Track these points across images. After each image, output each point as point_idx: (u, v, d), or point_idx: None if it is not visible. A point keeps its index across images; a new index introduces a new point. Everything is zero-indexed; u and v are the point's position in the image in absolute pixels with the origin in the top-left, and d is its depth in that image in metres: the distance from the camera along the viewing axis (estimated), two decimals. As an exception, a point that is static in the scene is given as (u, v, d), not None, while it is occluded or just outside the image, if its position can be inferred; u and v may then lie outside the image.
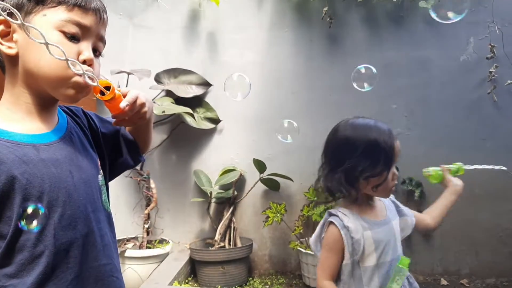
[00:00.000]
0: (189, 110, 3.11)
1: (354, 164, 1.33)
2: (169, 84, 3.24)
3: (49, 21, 0.88)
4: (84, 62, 0.90)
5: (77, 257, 0.90)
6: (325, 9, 3.15)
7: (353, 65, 3.27)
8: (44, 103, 0.93)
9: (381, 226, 1.38)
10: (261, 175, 3.20)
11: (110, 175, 1.11)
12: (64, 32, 0.89)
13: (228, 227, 3.24)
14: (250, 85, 2.36)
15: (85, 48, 0.91)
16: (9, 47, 0.89)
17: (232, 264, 3.05)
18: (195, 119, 3.20)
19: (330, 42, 3.30)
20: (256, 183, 3.23)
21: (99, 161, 1.04)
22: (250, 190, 3.27)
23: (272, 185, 3.26)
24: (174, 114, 3.19)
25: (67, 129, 0.98)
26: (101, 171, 1.03)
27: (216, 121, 3.32)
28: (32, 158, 0.87)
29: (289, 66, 3.34)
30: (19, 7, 0.88)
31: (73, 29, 0.89)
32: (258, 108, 3.35)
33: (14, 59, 0.90)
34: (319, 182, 1.46)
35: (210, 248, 3.13)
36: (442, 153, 3.19)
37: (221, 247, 3.13)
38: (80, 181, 0.93)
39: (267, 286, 3.12)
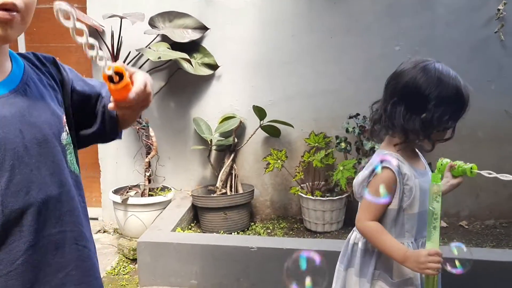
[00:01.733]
0: (186, 56, 3.01)
1: (438, 113, 1.31)
2: (164, 28, 3.12)
3: None
4: (3, 8, 0.77)
5: (32, 225, 0.82)
6: None
7: (355, 5, 3.15)
8: None
9: (424, 176, 1.40)
10: (261, 122, 3.16)
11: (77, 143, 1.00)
12: None
13: (230, 174, 3.24)
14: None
15: None
16: None
17: (234, 210, 3.08)
18: (192, 65, 3.11)
19: (332, -20, 3.14)
20: (256, 130, 3.19)
21: (64, 117, 0.93)
22: (250, 137, 3.25)
23: (272, 131, 3.22)
24: (170, 60, 3.10)
25: (21, 80, 0.87)
26: (66, 129, 0.92)
27: (214, 67, 3.23)
28: None
29: (288, 7, 3.20)
30: None
31: None
32: (257, 52, 3.25)
33: None
34: (380, 120, 1.40)
35: (212, 195, 3.15)
36: (445, 96, 3.12)
37: (223, 193, 3.15)
38: (33, 141, 0.84)
39: (269, 231, 3.17)
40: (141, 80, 0.87)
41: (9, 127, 0.81)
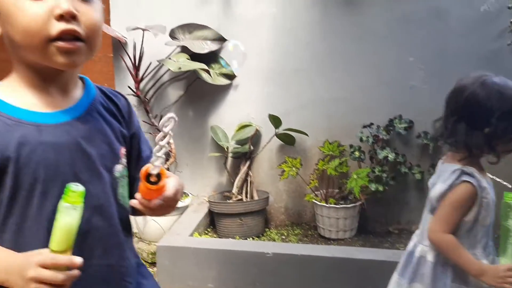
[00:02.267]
0: (205, 66, 3.12)
1: (502, 125, 1.34)
2: (184, 40, 3.24)
3: None
4: (61, 17, 0.75)
5: (78, 253, 0.78)
6: (342, -42, 3.05)
7: (369, 15, 3.23)
8: (45, 76, 0.82)
9: (492, 187, 1.43)
10: (277, 130, 3.24)
11: None
12: None
13: (245, 180, 3.33)
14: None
15: (55, 1, 0.75)
16: None
17: (249, 216, 3.16)
18: (210, 75, 3.21)
19: (346, -7, 3.22)
20: (271, 138, 3.28)
21: (123, 150, 0.91)
22: (266, 145, 3.33)
23: (287, 140, 3.31)
24: (189, 70, 3.21)
25: (86, 110, 0.86)
26: (123, 160, 0.90)
27: (231, 76, 3.33)
28: (31, 140, 0.78)
29: (303, 16, 3.29)
30: None
31: None
32: (272, 61, 3.34)
33: (4, 38, 0.82)
34: (442, 136, 1.47)
35: (228, 201, 3.23)
36: (458, 106, 3.17)
37: (238, 200, 3.24)
38: (84, 170, 0.83)
39: (283, 237, 3.24)
40: (173, 187, 0.84)
41: (62, 154, 0.81)
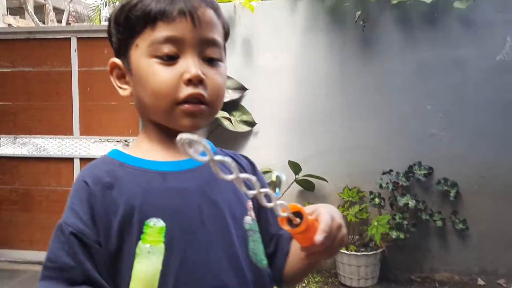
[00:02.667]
0: (226, 114, 3.23)
1: None
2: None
3: (141, 51, 0.78)
4: (189, 81, 0.75)
5: None
6: (358, 12, 3.19)
7: (386, 67, 3.32)
8: (170, 133, 0.80)
9: None
10: (296, 176, 3.28)
11: None
12: (158, 57, 0.76)
13: (265, 226, 3.34)
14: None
15: (186, 65, 0.76)
16: (123, 89, 0.84)
17: (269, 262, 3.15)
18: (231, 123, 3.31)
19: (364, 45, 3.34)
20: (291, 184, 3.32)
21: (250, 202, 0.84)
22: (286, 191, 3.37)
23: (307, 185, 3.34)
24: (212, 118, 3.31)
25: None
26: (251, 213, 0.83)
27: (251, 124, 3.42)
28: (156, 186, 0.76)
29: (322, 69, 3.40)
30: (124, 43, 0.81)
31: (165, 49, 0.76)
32: (292, 111, 3.44)
33: (134, 99, 0.84)
34: None
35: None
36: (477, 153, 3.19)
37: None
38: (211, 218, 0.77)
39: (304, 285, 3.21)
40: (325, 213, 0.72)
41: (188, 200, 0.77)
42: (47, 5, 10.70)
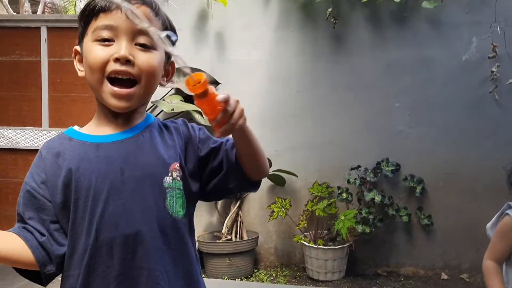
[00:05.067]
0: (197, 108, 3.22)
1: None
2: (179, 82, 3.35)
3: (88, 37, 0.97)
4: (117, 60, 0.93)
5: (120, 255, 0.91)
6: (330, 9, 3.23)
7: (357, 64, 3.37)
8: (109, 111, 0.98)
9: None
10: (267, 171, 3.30)
11: (212, 195, 1.08)
12: (98, 40, 0.95)
13: (235, 221, 3.36)
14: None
15: (117, 47, 0.94)
16: (80, 70, 1.02)
17: (238, 256, 3.17)
18: (203, 117, 3.31)
19: (335, 41, 3.38)
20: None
21: (176, 165, 1.00)
22: (256, 185, 3.39)
23: (277, 180, 3.36)
24: (183, 111, 3.31)
25: (141, 131, 1.00)
26: (172, 173, 0.99)
27: (223, 118, 3.42)
28: (89, 155, 0.96)
29: (294, 65, 3.43)
30: (82, 33, 0.99)
31: (103, 34, 0.94)
32: (264, 106, 3.46)
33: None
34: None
35: (217, 241, 3.25)
36: (443, 150, 3.27)
37: (228, 239, 3.26)
38: (131, 178, 0.94)
39: (272, 278, 3.24)
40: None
41: (112, 164, 0.95)
42: (22, -4, 10.44)
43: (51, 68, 3.56)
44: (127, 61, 0.93)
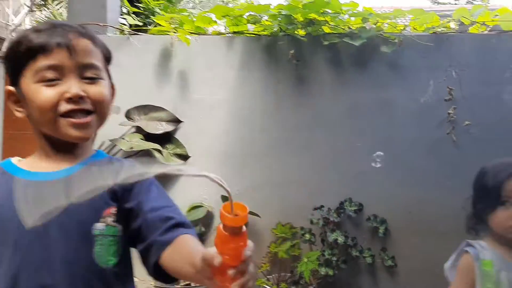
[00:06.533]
0: (157, 146, 3.15)
1: (479, 200, 1.53)
2: (139, 120, 3.29)
3: (29, 80, 0.94)
4: (70, 99, 0.91)
5: None
6: (292, 51, 3.28)
7: (319, 105, 3.41)
8: (57, 146, 0.97)
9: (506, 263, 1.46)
10: (229, 212, 3.22)
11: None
12: (42, 81, 0.92)
13: (195, 264, 3.22)
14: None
15: (67, 86, 0.92)
16: (18, 111, 1.00)
17: (198, 301, 3.02)
18: (163, 155, 3.23)
19: (297, 82, 3.42)
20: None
21: (111, 209, 0.95)
22: (217, 226, 3.28)
23: (240, 221, 3.27)
24: (142, 150, 3.22)
25: (79, 170, 0.95)
26: (106, 219, 0.94)
27: (185, 157, 3.36)
28: (18, 192, 0.91)
29: (257, 105, 3.44)
30: (15, 74, 0.96)
31: (47, 74, 0.92)
32: (227, 145, 3.42)
33: (29, 119, 0.99)
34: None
35: (175, 286, 3.10)
36: (405, 190, 3.28)
37: (186, 284, 3.11)
38: (56, 225, 0.89)
39: (233, 325, 3.08)
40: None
41: (40, 207, 0.87)
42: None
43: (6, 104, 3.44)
44: (80, 98, 0.93)
